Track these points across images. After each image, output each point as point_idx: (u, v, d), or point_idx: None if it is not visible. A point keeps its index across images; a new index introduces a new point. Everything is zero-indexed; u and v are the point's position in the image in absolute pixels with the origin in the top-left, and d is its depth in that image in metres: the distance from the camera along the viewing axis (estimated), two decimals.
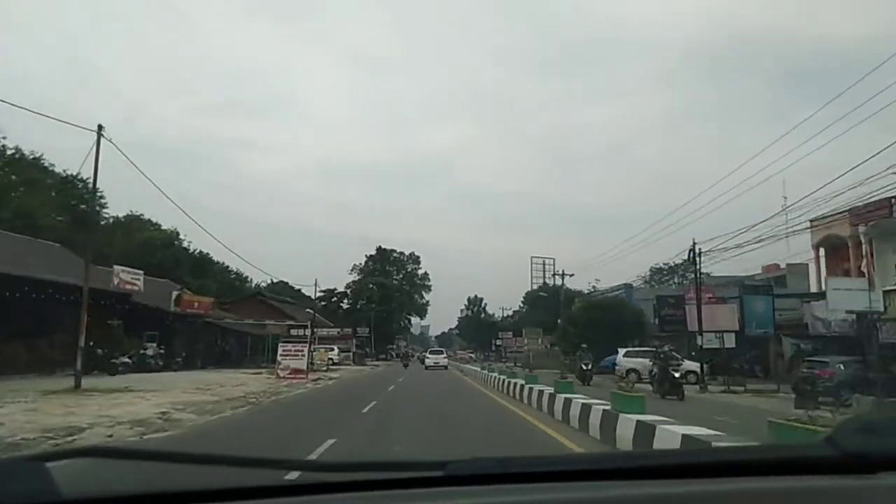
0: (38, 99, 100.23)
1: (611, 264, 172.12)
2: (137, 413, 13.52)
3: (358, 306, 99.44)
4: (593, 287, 76.65)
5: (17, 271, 23.06)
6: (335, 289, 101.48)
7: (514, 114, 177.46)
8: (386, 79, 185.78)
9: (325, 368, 38.15)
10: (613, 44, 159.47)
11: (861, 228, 26.30)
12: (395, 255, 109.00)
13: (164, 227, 64.82)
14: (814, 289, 33.86)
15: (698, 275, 28.56)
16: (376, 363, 66.25)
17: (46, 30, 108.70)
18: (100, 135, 19.48)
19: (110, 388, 19.04)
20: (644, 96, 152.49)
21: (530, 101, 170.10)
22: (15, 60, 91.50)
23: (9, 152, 48.22)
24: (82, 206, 55.00)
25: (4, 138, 47.06)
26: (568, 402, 13.31)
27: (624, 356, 33.59)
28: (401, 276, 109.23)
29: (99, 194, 55.39)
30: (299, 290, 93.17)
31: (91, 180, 21.91)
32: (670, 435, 8.04)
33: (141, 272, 31.49)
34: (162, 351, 32.52)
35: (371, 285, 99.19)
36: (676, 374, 22.89)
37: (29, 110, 33.00)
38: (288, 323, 43.90)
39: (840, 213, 25.95)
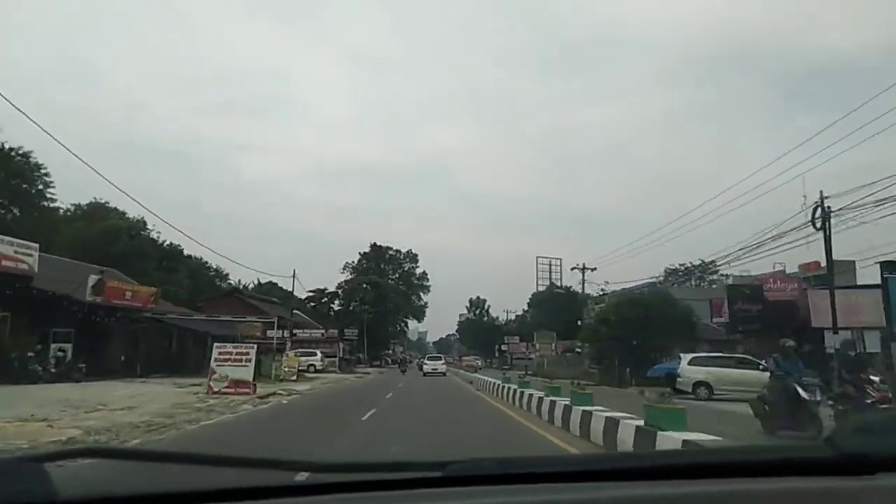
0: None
1: (615, 266, 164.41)
2: None
3: (350, 307, 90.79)
4: (602, 290, 67.91)
5: None
6: (325, 288, 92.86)
7: (514, 114, 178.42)
8: (386, 79, 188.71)
9: (294, 377, 29.61)
10: (613, 44, 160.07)
11: None
12: (390, 252, 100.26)
13: (130, 216, 56.97)
14: None
15: (829, 241, 19.88)
16: (367, 370, 57.48)
17: (46, 29, 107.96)
18: None
19: None
20: (644, 96, 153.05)
21: (530, 101, 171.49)
22: (14, 60, 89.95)
23: None
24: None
25: None
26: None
27: (690, 364, 25.15)
28: (397, 275, 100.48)
29: (44, 173, 48.07)
30: (291, 293, 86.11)
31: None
32: None
33: (35, 246, 23.01)
34: (61, 353, 23.97)
35: (364, 285, 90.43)
36: (805, 394, 13.60)
37: None
38: (252, 320, 35.35)
39: None
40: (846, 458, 1.24)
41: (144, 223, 57.85)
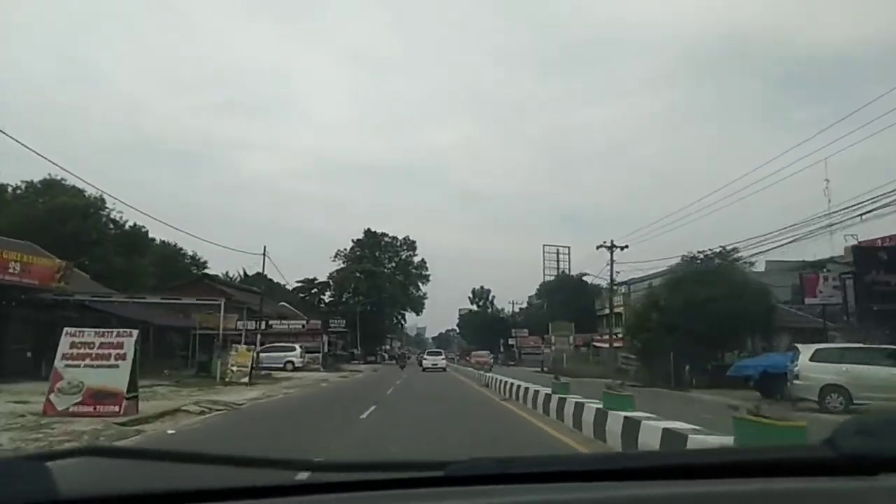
0: None
1: (622, 259, 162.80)
2: None
3: (343, 298, 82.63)
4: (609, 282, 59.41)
5: None
6: (315, 278, 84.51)
7: (513, 114, 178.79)
8: (386, 79, 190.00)
9: (245, 380, 21.55)
10: (613, 44, 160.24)
11: None
12: (386, 239, 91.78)
13: (88, 194, 49.76)
14: None
15: None
16: (359, 368, 49.22)
17: (46, 29, 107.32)
18: None
19: None
20: (644, 96, 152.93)
21: (530, 101, 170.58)
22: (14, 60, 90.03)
23: None
24: None
25: None
26: None
27: (813, 358, 17.11)
28: (393, 264, 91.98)
29: None
30: (282, 285, 78.26)
31: None
32: None
33: None
34: None
35: (358, 273, 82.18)
36: None
37: None
38: (192, 302, 27.21)
39: None
40: (847, 459, 1.21)
41: (103, 202, 50.49)
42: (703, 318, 26.16)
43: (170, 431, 10.51)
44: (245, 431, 11.30)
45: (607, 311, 68.26)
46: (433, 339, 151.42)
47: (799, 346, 18.18)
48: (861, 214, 18.78)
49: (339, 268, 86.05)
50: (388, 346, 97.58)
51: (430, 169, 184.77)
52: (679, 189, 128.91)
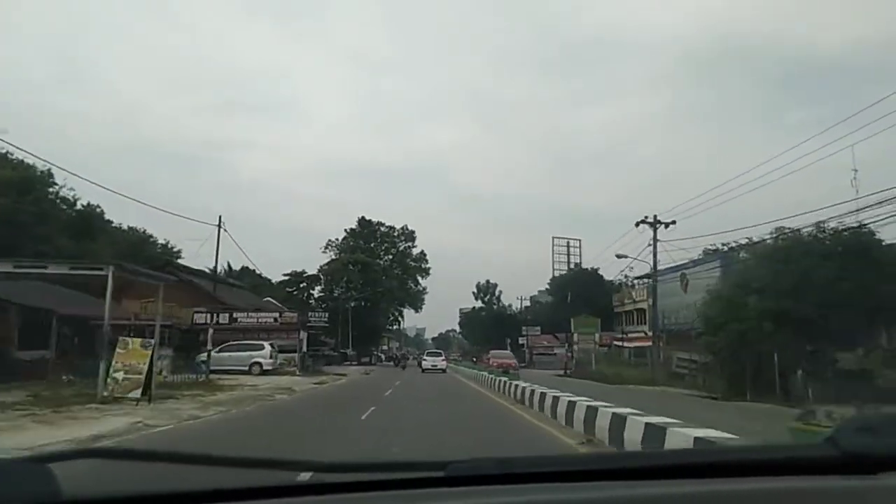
0: None
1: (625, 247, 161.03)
2: None
3: (334, 293, 74.60)
4: (625, 276, 51.28)
5: None
6: (303, 271, 76.10)
7: (513, 114, 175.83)
8: (386, 79, 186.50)
9: (138, 393, 13.46)
10: (613, 44, 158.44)
11: None
12: (382, 229, 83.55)
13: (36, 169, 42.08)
14: None
15: None
16: (344, 372, 40.98)
17: (46, 29, 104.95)
18: None
19: None
20: (644, 96, 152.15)
21: (530, 101, 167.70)
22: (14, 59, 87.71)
23: None
24: None
25: None
26: None
27: None
28: (390, 256, 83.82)
29: None
30: (271, 281, 70.49)
31: None
32: None
33: None
34: None
35: (350, 265, 74.13)
36: None
37: None
38: (71, 270, 18.61)
39: None
40: (848, 458, 1.21)
41: (51, 175, 42.60)
42: (825, 305, 18.23)
43: None
44: None
45: (627, 307, 60.83)
46: (433, 339, 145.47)
47: None
48: None
49: (330, 259, 78.04)
50: (385, 347, 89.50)
51: (429, 169, 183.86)
52: (679, 189, 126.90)
